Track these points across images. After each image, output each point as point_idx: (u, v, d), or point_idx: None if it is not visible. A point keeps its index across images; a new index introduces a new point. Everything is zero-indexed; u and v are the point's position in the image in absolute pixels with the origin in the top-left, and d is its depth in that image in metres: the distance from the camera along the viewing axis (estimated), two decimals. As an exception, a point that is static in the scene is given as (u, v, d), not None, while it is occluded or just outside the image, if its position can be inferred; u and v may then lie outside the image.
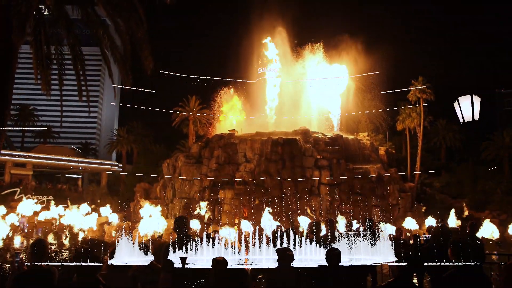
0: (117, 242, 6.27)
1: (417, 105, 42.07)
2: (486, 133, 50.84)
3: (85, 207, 32.67)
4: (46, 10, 12.18)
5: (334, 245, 6.67)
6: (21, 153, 50.20)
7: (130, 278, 4.59)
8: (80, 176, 60.29)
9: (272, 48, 44.34)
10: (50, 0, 11.77)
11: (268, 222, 21.14)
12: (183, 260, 4.80)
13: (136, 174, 50.33)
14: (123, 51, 10.60)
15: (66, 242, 25.53)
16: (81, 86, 12.32)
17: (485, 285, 3.88)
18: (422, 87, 40.29)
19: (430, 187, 42.72)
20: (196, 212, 30.15)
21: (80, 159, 54.81)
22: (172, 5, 10.92)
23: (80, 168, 54.97)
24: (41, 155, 49.22)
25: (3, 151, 49.27)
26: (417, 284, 9.38)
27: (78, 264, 3.96)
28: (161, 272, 4.98)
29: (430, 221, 28.13)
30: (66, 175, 59.59)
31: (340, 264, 5.67)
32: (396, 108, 44.58)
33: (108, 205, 35.43)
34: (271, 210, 22.03)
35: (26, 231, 30.87)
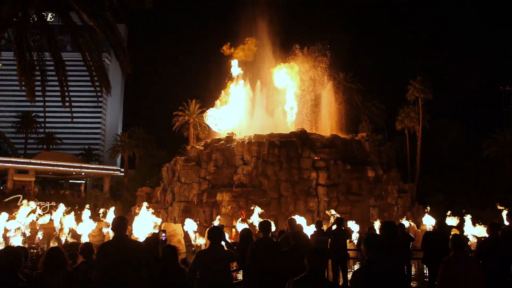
0: None
1: (416, 105, 42.05)
2: (489, 131, 50.65)
3: (87, 212, 32.72)
4: (29, 17, 12.36)
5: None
6: (23, 160, 50.64)
7: (64, 277, 4.68)
8: (83, 182, 60.74)
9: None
10: (31, 8, 11.97)
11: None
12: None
13: (138, 178, 50.68)
14: (97, 58, 10.72)
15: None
16: (64, 92, 12.47)
17: (392, 280, 3.90)
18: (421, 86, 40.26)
19: (431, 186, 42.55)
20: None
21: (82, 165, 55.18)
22: (150, 10, 11.03)
23: (83, 173, 55.34)
24: (43, 161, 49.59)
25: (5, 158, 49.73)
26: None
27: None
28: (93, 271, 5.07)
29: (428, 220, 28.16)
30: (70, 181, 60.06)
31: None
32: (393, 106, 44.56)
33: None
34: (261, 211, 22.09)
35: (27, 235, 30.99)
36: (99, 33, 11.11)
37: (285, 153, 32.12)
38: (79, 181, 60.64)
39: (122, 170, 59.02)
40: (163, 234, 7.23)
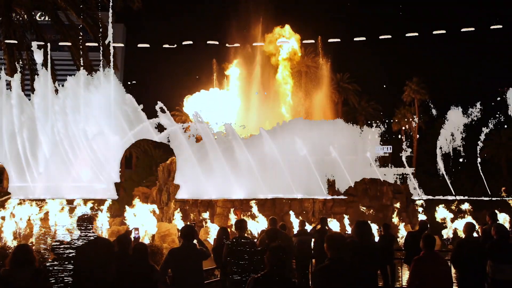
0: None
1: (412, 106, 42.16)
2: (487, 132, 50.55)
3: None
4: (18, 16, 12.37)
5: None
6: (20, 159, 50.42)
7: (32, 274, 4.70)
8: (81, 181, 60.60)
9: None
10: (21, 7, 11.98)
11: None
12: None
13: (135, 178, 50.52)
14: (85, 57, 10.76)
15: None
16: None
17: (352, 278, 3.94)
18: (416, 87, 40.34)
19: (428, 187, 42.52)
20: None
21: (79, 164, 54.96)
22: (139, 9, 11.08)
23: (80, 173, 55.16)
24: (39, 161, 49.44)
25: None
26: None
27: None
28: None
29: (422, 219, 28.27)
30: (67, 180, 59.83)
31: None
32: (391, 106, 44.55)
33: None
34: None
35: (22, 234, 30.93)
36: (89, 32, 11.15)
37: (280, 153, 32.06)
38: (76, 181, 60.53)
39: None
40: (136, 232, 7.30)
